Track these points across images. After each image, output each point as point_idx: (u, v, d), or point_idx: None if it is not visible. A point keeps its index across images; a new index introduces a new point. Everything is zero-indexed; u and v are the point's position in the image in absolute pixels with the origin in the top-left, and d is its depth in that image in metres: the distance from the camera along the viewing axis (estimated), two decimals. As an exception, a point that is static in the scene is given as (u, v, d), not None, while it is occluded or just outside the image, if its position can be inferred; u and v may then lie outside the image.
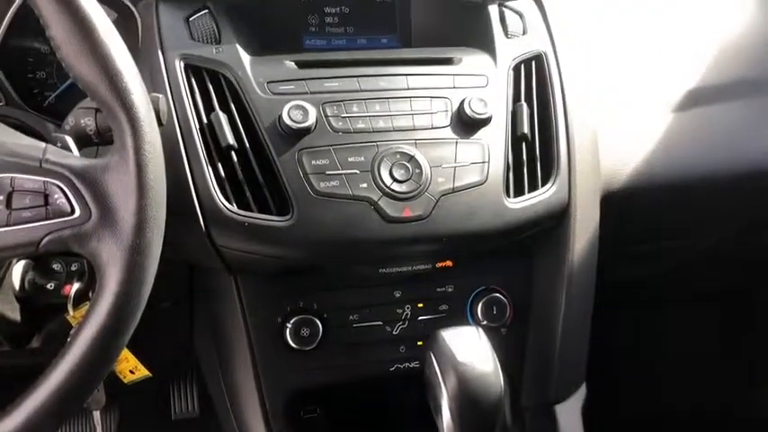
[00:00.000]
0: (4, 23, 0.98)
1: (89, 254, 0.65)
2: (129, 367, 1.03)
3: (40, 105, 1.04)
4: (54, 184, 0.65)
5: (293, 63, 0.91)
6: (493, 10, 1.01)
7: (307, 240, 0.83)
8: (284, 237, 0.82)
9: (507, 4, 1.02)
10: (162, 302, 1.02)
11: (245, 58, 0.89)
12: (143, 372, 1.04)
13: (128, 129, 0.65)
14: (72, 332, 0.65)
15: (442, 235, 0.85)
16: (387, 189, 0.84)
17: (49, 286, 0.83)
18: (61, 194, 0.64)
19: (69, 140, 0.72)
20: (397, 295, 0.93)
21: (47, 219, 0.64)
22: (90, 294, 0.85)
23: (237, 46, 0.90)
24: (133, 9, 0.95)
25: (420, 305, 0.93)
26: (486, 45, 0.98)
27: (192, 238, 0.83)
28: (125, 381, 1.00)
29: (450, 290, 0.94)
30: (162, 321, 0.92)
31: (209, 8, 0.93)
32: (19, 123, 0.97)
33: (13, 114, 0.99)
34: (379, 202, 0.83)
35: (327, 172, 0.83)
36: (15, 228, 0.64)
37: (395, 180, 0.84)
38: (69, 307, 0.82)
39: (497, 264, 0.95)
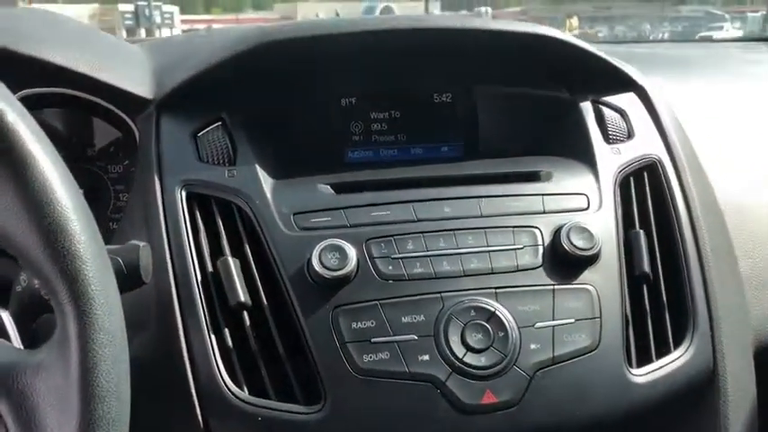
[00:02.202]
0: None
1: None
2: None
3: None
4: (-39, 390, 0.43)
5: (329, 186, 0.70)
6: (586, 108, 0.79)
7: (346, 441, 0.58)
8: (314, 436, 0.58)
9: (604, 99, 0.80)
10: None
11: (267, 182, 0.69)
12: None
13: (71, 310, 0.43)
14: None
15: (540, 428, 0.60)
16: (458, 363, 0.59)
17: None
18: None
19: (6, 318, 0.51)
20: None
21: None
22: None
23: (257, 167, 0.69)
24: (131, 123, 0.77)
25: None
26: (582, 153, 0.75)
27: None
28: None
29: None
30: None
31: (223, 120, 0.73)
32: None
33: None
34: (448, 384, 0.59)
35: (373, 339, 0.60)
36: None
37: (469, 349, 0.60)
38: None
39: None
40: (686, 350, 0.66)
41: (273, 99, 0.78)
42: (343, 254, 0.62)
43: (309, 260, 0.62)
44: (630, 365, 0.64)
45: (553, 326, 0.62)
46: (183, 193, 0.67)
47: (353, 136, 0.83)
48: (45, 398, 0.43)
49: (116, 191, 0.87)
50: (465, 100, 0.84)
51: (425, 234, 0.65)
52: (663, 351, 0.66)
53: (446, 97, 0.84)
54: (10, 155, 0.43)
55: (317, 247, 0.62)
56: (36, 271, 0.44)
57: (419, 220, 0.66)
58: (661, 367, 0.64)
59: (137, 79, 0.75)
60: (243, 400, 0.59)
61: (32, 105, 0.82)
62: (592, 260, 0.65)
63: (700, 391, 0.66)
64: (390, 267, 0.63)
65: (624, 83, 0.82)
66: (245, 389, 0.60)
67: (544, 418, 0.60)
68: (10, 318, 0.51)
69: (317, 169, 0.74)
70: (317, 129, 0.81)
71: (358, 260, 0.62)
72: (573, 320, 0.63)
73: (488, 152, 0.83)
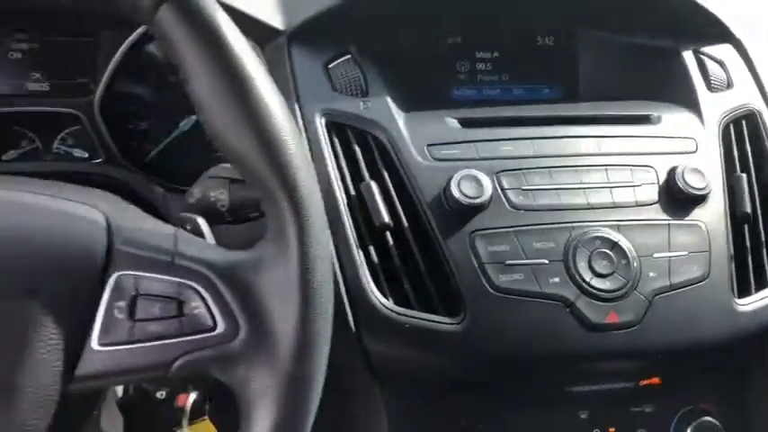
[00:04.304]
0: (111, 67, 0.84)
1: (235, 383, 0.48)
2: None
3: (140, 162, 0.89)
4: (190, 287, 0.48)
5: (455, 121, 0.74)
6: (688, 57, 0.83)
7: (483, 350, 0.65)
8: (455, 344, 0.64)
9: (704, 50, 0.84)
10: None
11: (399, 114, 0.73)
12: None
13: (290, 217, 0.48)
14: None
15: (656, 347, 0.66)
16: (586, 286, 0.65)
17: (158, 395, 0.66)
18: (200, 302, 0.48)
19: (202, 223, 0.56)
20: (583, 416, 0.73)
21: (181, 335, 0.47)
22: (207, 407, 0.68)
23: (388, 99, 0.73)
24: (259, 52, 0.80)
25: (611, 429, 0.73)
26: (686, 100, 0.80)
27: (337, 338, 0.66)
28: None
29: (648, 410, 0.74)
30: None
31: (351, 53, 0.77)
32: (123, 186, 0.83)
33: (115, 174, 0.84)
34: (577, 304, 0.65)
35: (508, 261, 0.66)
36: (140, 346, 0.47)
37: (595, 274, 0.66)
38: (184, 422, 0.65)
39: (708, 378, 0.75)
40: None
41: (391, 36, 0.82)
42: (479, 183, 0.66)
43: (447, 188, 0.66)
44: (735, 296, 0.70)
45: (669, 257, 0.68)
46: (323, 121, 0.71)
47: (459, 75, 0.87)
48: (267, 290, 0.48)
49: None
50: (567, 43, 0.88)
51: (551, 169, 0.70)
52: (761, 284, 0.71)
53: (549, 40, 0.88)
54: (242, 80, 0.47)
55: (456, 175, 0.66)
56: (258, 181, 0.48)
57: (544, 156, 0.71)
58: (761, 299, 0.70)
59: (268, 8, 0.78)
60: (390, 310, 0.65)
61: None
62: (702, 199, 0.71)
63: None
64: (521, 198, 0.68)
65: (722, 34, 0.85)
66: (391, 300, 0.66)
67: (660, 338, 0.66)
68: (206, 225, 0.56)
69: (429, 104, 0.78)
70: (429, 66, 0.85)
71: (492, 190, 0.67)
72: (686, 253, 0.68)
73: (587, 96, 0.87)
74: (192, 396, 0.66)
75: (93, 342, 0.46)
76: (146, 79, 0.88)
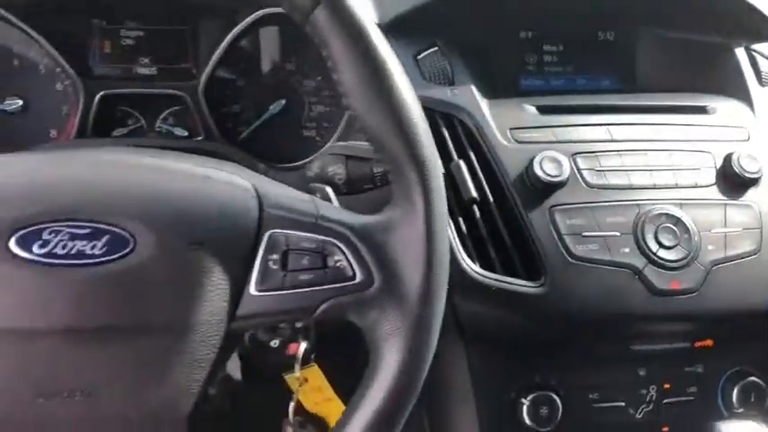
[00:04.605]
0: (217, 55, 0.93)
1: (367, 325, 0.57)
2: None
3: (234, 140, 0.98)
4: (333, 243, 0.57)
5: (534, 108, 0.82)
6: (740, 54, 0.90)
7: (561, 311, 0.73)
8: (536, 306, 0.73)
9: (756, 47, 0.92)
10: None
11: (483, 101, 0.81)
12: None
13: (418, 188, 0.56)
14: (340, 419, 0.57)
15: (712, 312, 0.75)
16: (653, 256, 0.74)
17: (272, 344, 0.75)
18: (341, 256, 0.57)
19: (330, 192, 0.65)
20: (642, 374, 0.82)
21: (326, 283, 0.56)
22: (312, 356, 0.77)
23: (473, 88, 0.82)
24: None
25: (667, 386, 0.82)
26: (739, 93, 0.88)
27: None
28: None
29: (699, 370, 0.83)
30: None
31: (438, 46, 0.85)
32: (227, 160, 0.92)
33: (217, 150, 0.94)
34: (644, 271, 0.73)
35: (584, 233, 0.74)
36: (291, 292, 0.56)
37: (661, 246, 0.74)
38: (296, 366, 0.75)
39: (756, 341, 0.84)
40: None
41: (473, 30, 0.90)
42: (559, 164, 0.75)
43: (529, 167, 0.75)
44: (782, 268, 0.78)
45: (725, 233, 0.76)
46: None
47: (528, 66, 0.96)
48: (397, 249, 0.56)
49: (310, 103, 0.99)
50: (626, 39, 0.96)
51: (621, 152, 0.78)
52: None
53: (609, 35, 0.96)
54: (382, 70, 0.55)
55: (538, 156, 0.75)
56: (390, 157, 0.57)
57: (614, 140, 0.79)
58: None
59: (365, 3, 0.86)
60: (479, 274, 0.73)
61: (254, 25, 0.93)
62: (755, 182, 0.79)
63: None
64: (595, 177, 0.77)
65: None
66: (478, 265, 0.74)
67: (716, 304, 0.74)
68: (333, 193, 0.65)
69: (501, 92, 0.86)
70: (501, 57, 0.93)
71: (570, 170, 0.76)
72: (740, 229, 0.77)
73: (644, 87, 0.95)
74: (303, 345, 0.75)
75: (252, 288, 0.54)
76: (240, 68, 0.97)
